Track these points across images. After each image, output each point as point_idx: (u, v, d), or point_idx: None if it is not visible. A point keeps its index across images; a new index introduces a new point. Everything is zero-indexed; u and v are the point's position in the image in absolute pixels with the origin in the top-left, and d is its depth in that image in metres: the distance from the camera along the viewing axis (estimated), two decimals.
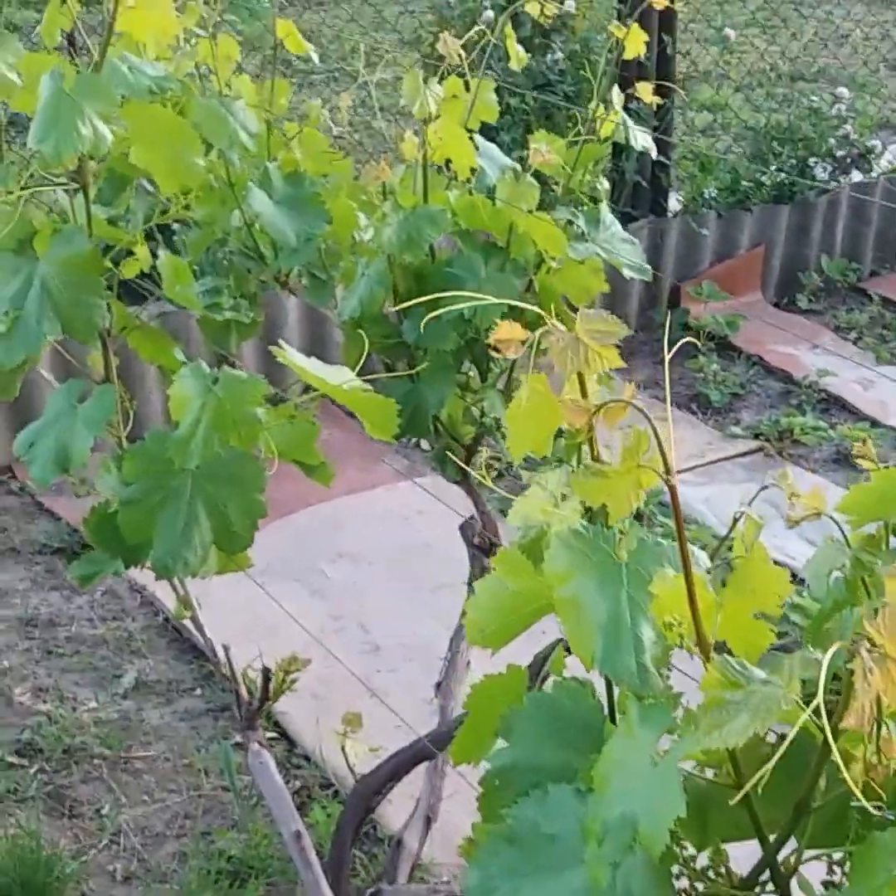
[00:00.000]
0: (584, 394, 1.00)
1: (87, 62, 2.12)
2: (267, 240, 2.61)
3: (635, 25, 2.65)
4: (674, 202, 4.59)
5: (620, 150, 3.95)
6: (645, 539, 1.10)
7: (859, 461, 1.81)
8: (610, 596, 1.09)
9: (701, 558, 1.14)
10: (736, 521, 1.66)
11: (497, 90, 2.77)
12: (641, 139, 2.64)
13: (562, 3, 4.46)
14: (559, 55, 4.29)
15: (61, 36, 2.28)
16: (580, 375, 1.01)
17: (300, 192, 2.54)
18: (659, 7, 2.67)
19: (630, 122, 2.62)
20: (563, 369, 1.00)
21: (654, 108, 4.31)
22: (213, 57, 2.61)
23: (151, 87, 2.16)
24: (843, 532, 1.55)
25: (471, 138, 2.57)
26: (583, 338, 1.00)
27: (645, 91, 2.75)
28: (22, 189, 2.01)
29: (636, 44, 2.65)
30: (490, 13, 4.38)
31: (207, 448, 1.82)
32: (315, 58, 2.73)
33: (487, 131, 2.67)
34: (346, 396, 1.87)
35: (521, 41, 4.56)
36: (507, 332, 1.00)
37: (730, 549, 1.69)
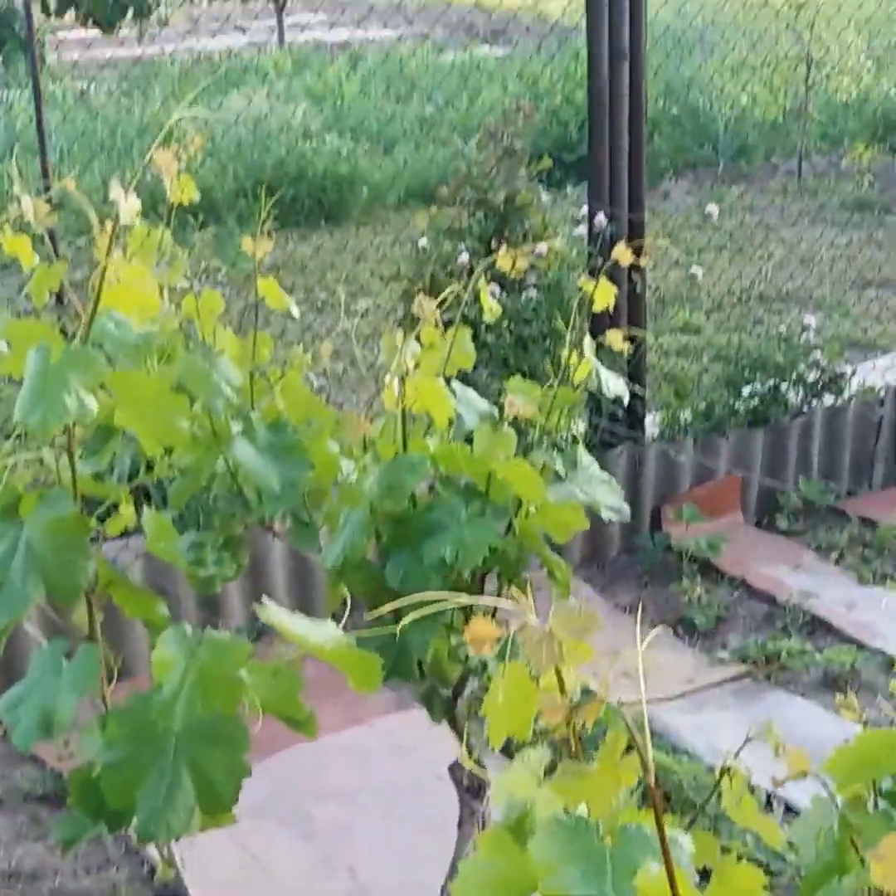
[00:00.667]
0: (562, 689, 1.02)
1: (74, 322, 2.21)
2: (252, 484, 2.65)
3: (604, 279, 2.77)
4: (651, 426, 4.68)
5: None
6: (629, 827, 1.10)
7: (843, 712, 1.81)
8: (595, 886, 1.08)
9: (684, 846, 1.14)
10: (724, 772, 1.66)
11: (474, 327, 2.87)
12: (614, 386, 2.72)
13: (534, 247, 4.65)
14: (533, 293, 4.44)
15: (49, 295, 2.36)
16: (558, 669, 1.02)
17: (283, 440, 2.60)
18: (624, 262, 2.80)
19: (602, 370, 2.71)
20: (538, 663, 1.02)
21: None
22: (198, 311, 2.70)
23: (138, 343, 2.23)
24: (830, 792, 1.54)
25: (448, 385, 2.65)
26: (557, 632, 1.02)
27: (615, 338, 2.86)
28: (8, 455, 2.06)
29: (605, 297, 2.77)
30: (465, 256, 4.55)
31: (191, 711, 1.82)
32: (295, 311, 2.84)
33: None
34: (329, 654, 1.88)
35: (497, 278, 4.74)
36: (480, 630, 1.02)
37: (719, 796, 1.68)
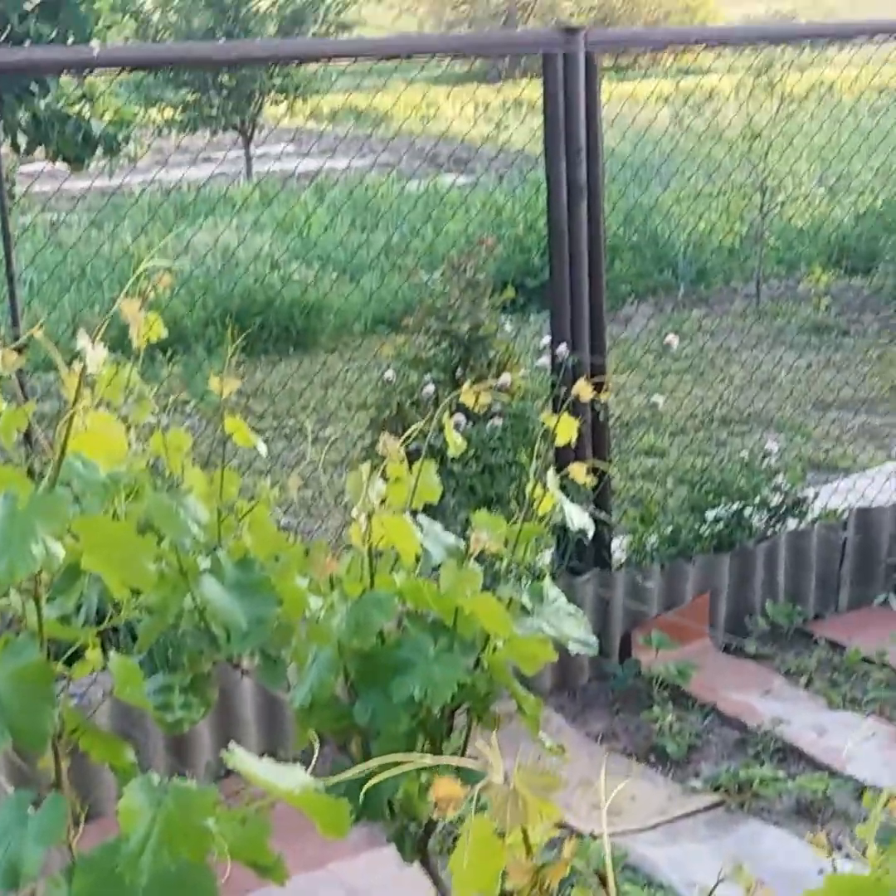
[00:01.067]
0: (528, 849, 1.02)
1: (42, 460, 2.22)
2: (219, 622, 2.65)
3: (566, 415, 2.82)
4: (619, 551, 4.71)
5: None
6: None
7: (814, 848, 1.81)
8: None
9: None
10: None
11: (441, 456, 2.90)
12: (578, 519, 2.76)
13: (498, 379, 4.72)
14: (498, 422, 4.50)
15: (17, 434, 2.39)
16: (523, 830, 1.03)
17: (250, 577, 2.60)
18: (585, 398, 2.85)
19: (566, 503, 2.74)
20: (503, 823, 1.02)
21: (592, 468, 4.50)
22: (165, 448, 2.73)
23: (105, 484, 2.25)
24: None
25: (415, 519, 2.67)
26: (522, 791, 1.03)
27: (579, 472, 2.90)
28: None
29: (567, 431, 2.81)
30: (431, 387, 4.61)
31: (158, 862, 1.80)
32: (263, 450, 2.86)
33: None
34: (297, 800, 1.87)
35: (462, 408, 4.79)
36: (445, 790, 1.03)
37: None
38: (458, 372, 5.22)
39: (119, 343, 2.73)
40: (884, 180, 11.00)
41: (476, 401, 2.97)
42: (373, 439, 5.32)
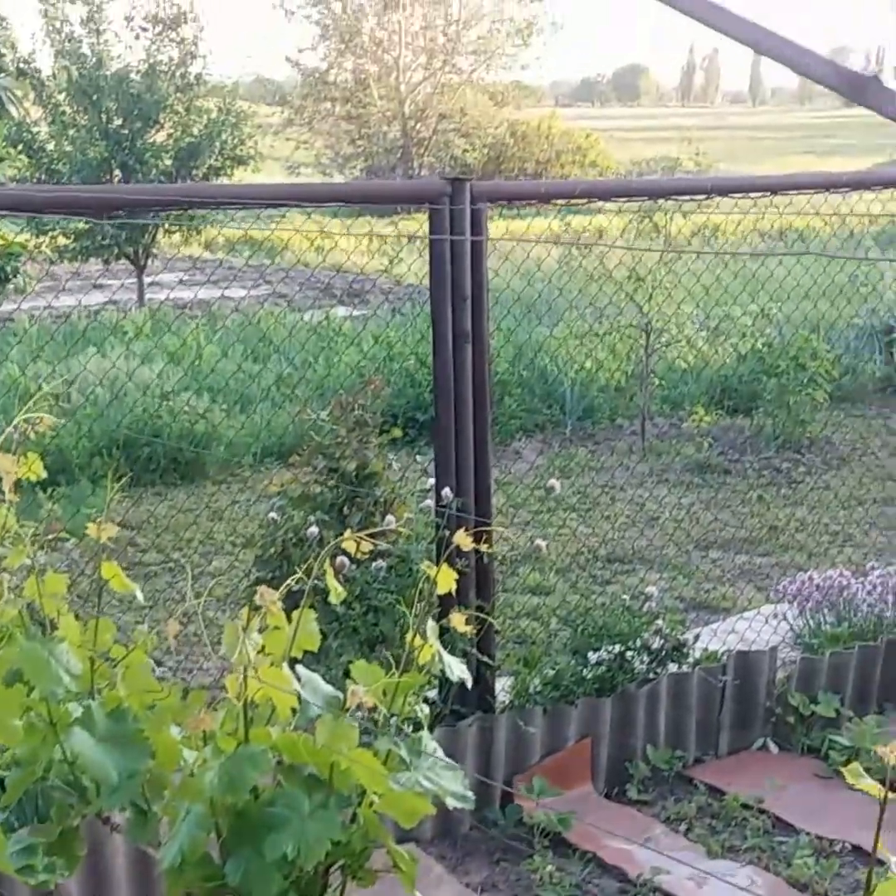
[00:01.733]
0: None
1: None
2: (89, 775, 2.59)
3: (445, 565, 2.85)
4: (503, 693, 4.70)
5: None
6: None
7: None
8: None
9: None
10: None
11: (324, 596, 2.89)
12: (457, 670, 2.76)
13: (383, 520, 4.74)
14: (382, 563, 4.51)
15: None
16: None
17: (123, 728, 2.56)
18: (465, 547, 2.89)
19: (445, 655, 2.75)
20: None
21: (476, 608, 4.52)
22: (39, 593, 2.69)
23: None
24: None
25: (293, 669, 2.65)
26: None
27: (459, 621, 2.91)
28: None
29: (447, 581, 2.84)
30: (315, 529, 4.61)
31: None
32: (140, 597, 2.83)
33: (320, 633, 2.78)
34: None
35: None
36: None
37: None
38: (345, 510, 5.23)
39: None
40: (763, 323, 11.38)
41: (357, 548, 3.00)
42: (258, 576, 5.29)
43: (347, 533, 2.97)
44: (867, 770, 2.05)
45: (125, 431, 8.93)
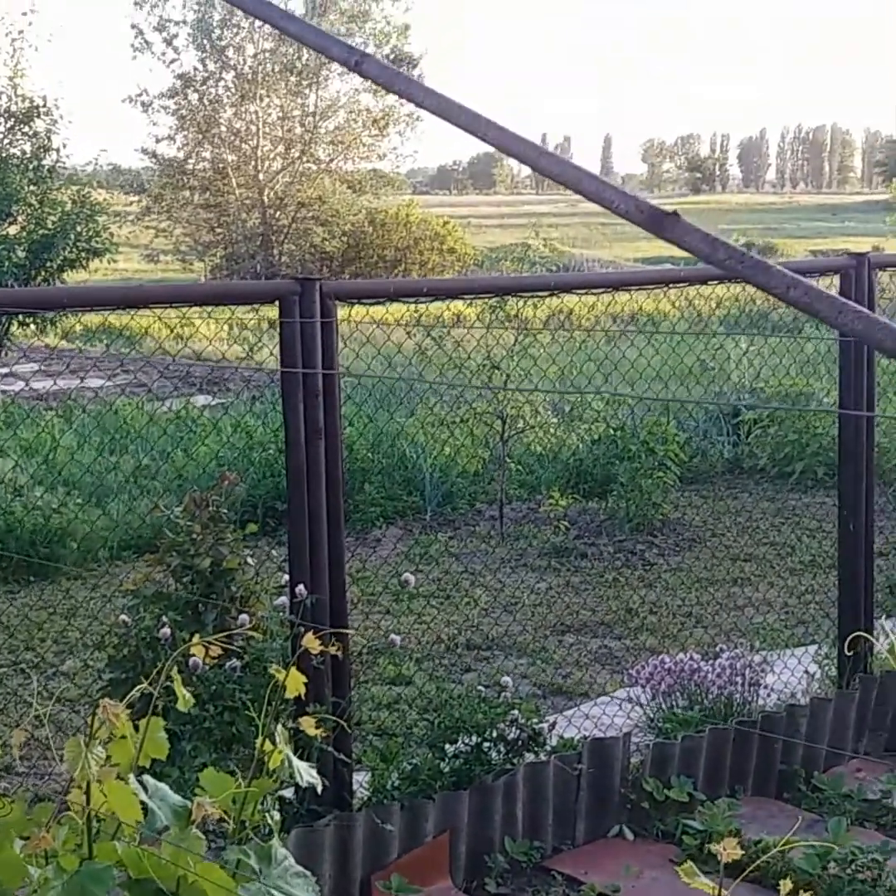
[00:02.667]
0: None
1: None
2: None
3: (294, 669, 2.86)
4: (361, 787, 4.69)
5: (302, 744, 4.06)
6: None
7: None
8: None
9: None
10: None
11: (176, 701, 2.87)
12: (307, 776, 2.77)
13: (238, 617, 4.72)
14: (236, 663, 4.49)
15: None
16: None
17: None
18: (314, 651, 2.91)
19: (295, 761, 2.76)
20: None
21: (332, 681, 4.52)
22: None
23: None
24: None
25: (140, 780, 2.63)
26: None
27: (308, 724, 2.93)
28: None
29: (296, 685, 2.86)
30: (167, 631, 4.57)
31: None
32: None
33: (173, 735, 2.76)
34: None
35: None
36: None
37: None
38: (200, 608, 5.20)
39: None
40: (615, 407, 11.67)
41: (206, 653, 3.00)
42: (111, 678, 5.21)
43: (201, 632, 2.97)
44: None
45: None
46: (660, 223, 1.56)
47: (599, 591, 8.51)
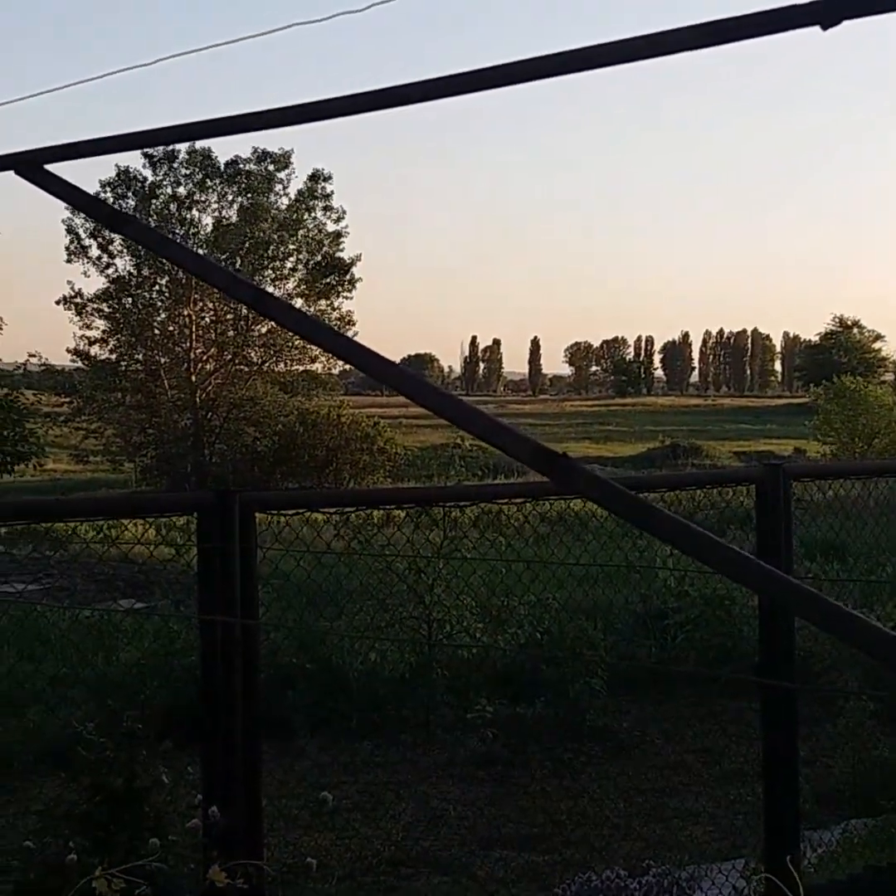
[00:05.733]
0: None
1: None
2: None
3: None
4: None
5: None
6: None
7: None
8: None
9: None
10: None
11: None
12: None
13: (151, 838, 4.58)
14: (148, 889, 4.32)
15: None
16: None
17: None
18: (220, 884, 2.82)
19: None
20: None
21: None
22: None
23: None
24: None
25: None
26: None
27: None
28: None
29: None
30: (73, 857, 4.42)
31: None
32: None
33: None
34: None
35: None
36: None
37: None
38: (112, 828, 5.04)
39: None
40: (541, 611, 11.66)
41: (110, 885, 2.91)
42: None
43: (110, 857, 2.88)
44: None
45: None
46: (551, 463, 1.59)
47: (526, 802, 8.35)
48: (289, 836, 7.39)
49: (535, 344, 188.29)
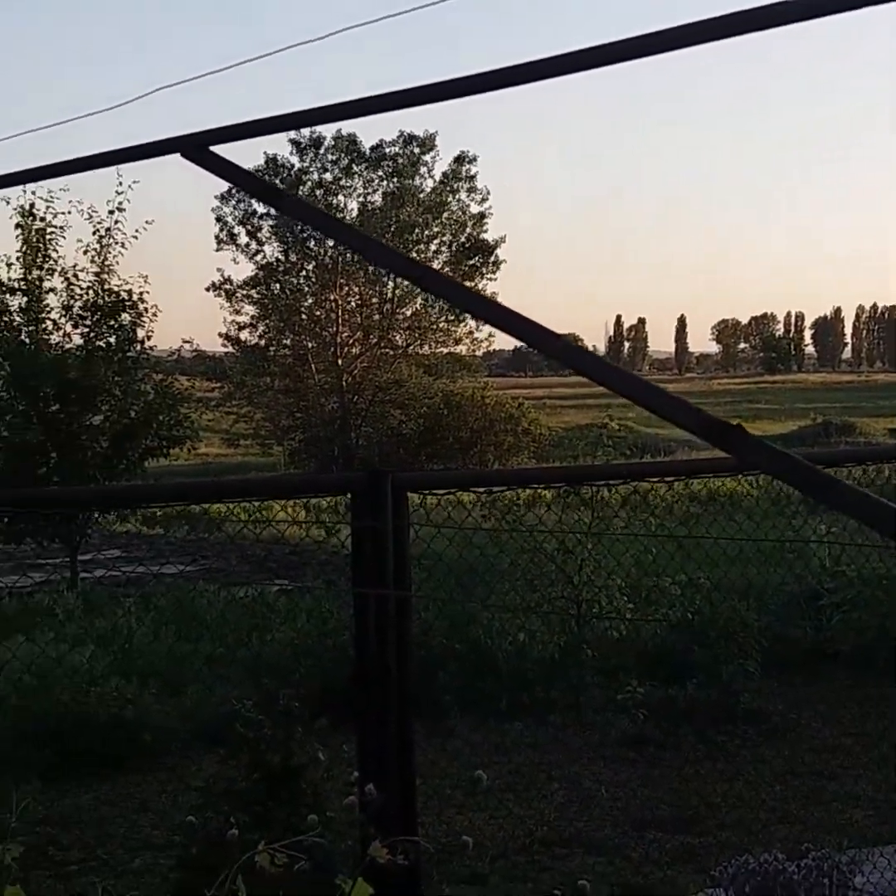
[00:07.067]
0: None
1: None
2: None
3: (360, 880, 2.80)
4: None
5: None
6: None
7: None
8: None
9: None
10: None
11: None
12: None
13: (309, 814, 4.65)
14: (306, 864, 4.39)
15: None
16: None
17: None
18: (381, 860, 2.85)
19: None
20: None
21: None
22: None
23: None
24: None
25: None
26: None
27: None
28: None
29: (363, 894, 2.79)
30: (234, 832, 4.51)
31: None
32: None
33: None
34: None
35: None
36: None
37: None
38: (270, 805, 5.14)
39: None
40: (692, 592, 11.51)
41: (272, 861, 2.96)
42: (177, 878, 5.14)
43: (269, 833, 2.93)
44: None
45: (52, 721, 8.76)
46: (723, 435, 1.55)
47: (679, 784, 8.26)
48: (442, 814, 7.44)
49: (682, 322, 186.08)
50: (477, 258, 51.90)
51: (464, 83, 2.77)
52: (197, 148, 2.33)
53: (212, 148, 2.32)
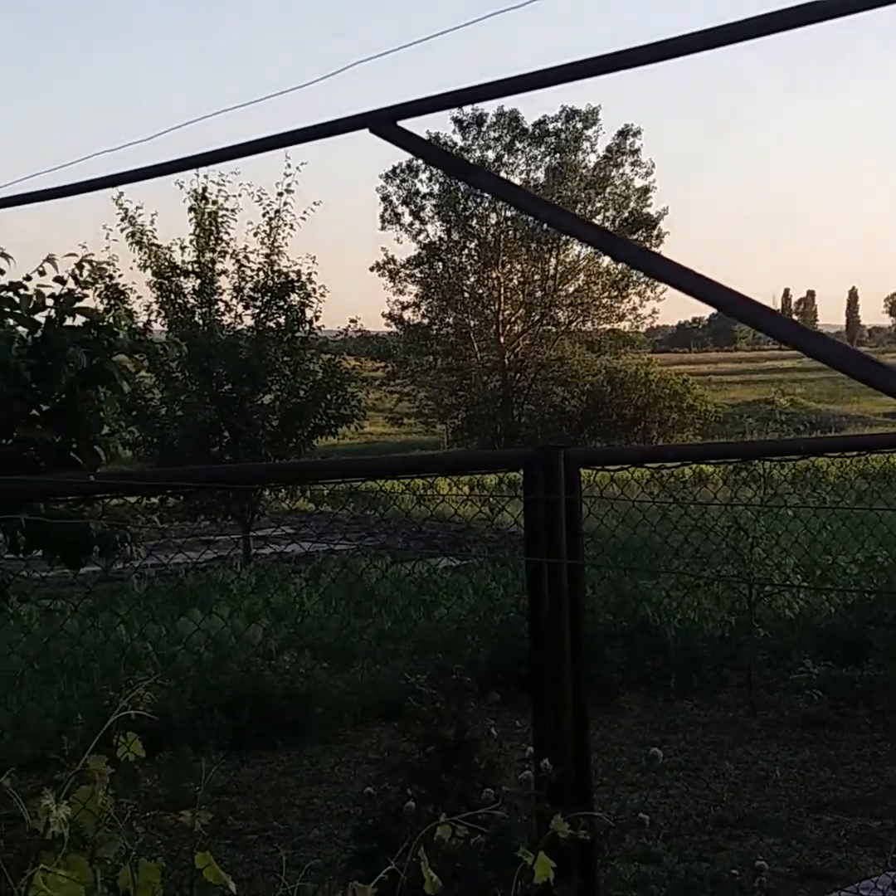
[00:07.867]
0: None
1: None
2: None
3: (543, 854, 2.80)
4: None
5: None
6: None
7: None
8: None
9: None
10: None
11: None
12: None
13: (482, 789, 4.66)
14: (482, 839, 4.41)
15: None
16: None
17: None
18: (562, 835, 2.84)
19: None
20: None
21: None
22: (134, 886, 2.69)
23: None
24: None
25: None
26: None
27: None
28: None
29: (544, 871, 2.79)
30: (411, 804, 4.55)
31: None
32: (232, 887, 2.81)
33: None
34: None
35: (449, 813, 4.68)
36: None
37: None
38: (444, 778, 5.16)
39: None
40: (868, 571, 11.21)
41: (453, 835, 2.98)
42: (355, 850, 5.20)
43: (444, 805, 2.94)
44: None
45: (228, 693, 8.97)
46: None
47: (857, 766, 8.07)
48: (615, 791, 7.40)
49: (853, 295, 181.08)
50: (641, 232, 51.25)
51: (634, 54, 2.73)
52: (385, 122, 2.34)
53: (399, 123, 2.33)
